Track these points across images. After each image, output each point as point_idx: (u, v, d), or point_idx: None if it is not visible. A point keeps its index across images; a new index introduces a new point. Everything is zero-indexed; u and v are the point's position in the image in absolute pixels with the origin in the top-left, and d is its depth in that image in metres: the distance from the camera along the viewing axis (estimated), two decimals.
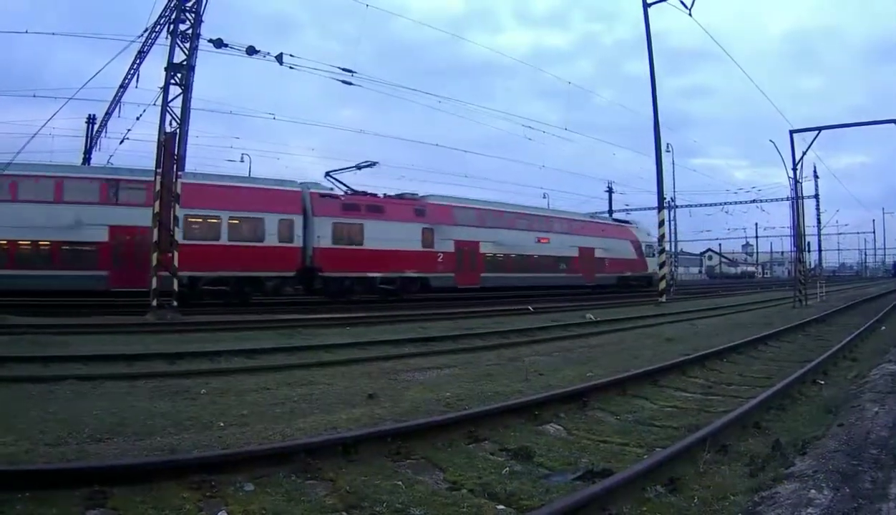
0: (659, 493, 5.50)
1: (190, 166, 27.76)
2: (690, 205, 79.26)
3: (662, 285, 37.39)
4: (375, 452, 6.47)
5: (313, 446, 6.31)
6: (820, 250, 66.67)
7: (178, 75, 23.90)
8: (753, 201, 78.41)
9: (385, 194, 37.50)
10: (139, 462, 5.98)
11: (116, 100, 34.83)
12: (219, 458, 5.90)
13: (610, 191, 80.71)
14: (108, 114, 37.04)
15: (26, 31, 60.50)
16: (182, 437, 7.18)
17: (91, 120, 43.34)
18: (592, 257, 48.30)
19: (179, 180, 24.06)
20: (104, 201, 27.76)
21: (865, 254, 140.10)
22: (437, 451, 6.75)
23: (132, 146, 36.04)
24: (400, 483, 5.79)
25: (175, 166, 23.75)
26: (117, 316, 22.44)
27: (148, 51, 29.46)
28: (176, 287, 23.61)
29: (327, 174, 35.66)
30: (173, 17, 24.31)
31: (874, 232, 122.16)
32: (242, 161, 44.68)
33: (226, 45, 24.83)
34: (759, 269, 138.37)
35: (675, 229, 65.30)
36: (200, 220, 29.14)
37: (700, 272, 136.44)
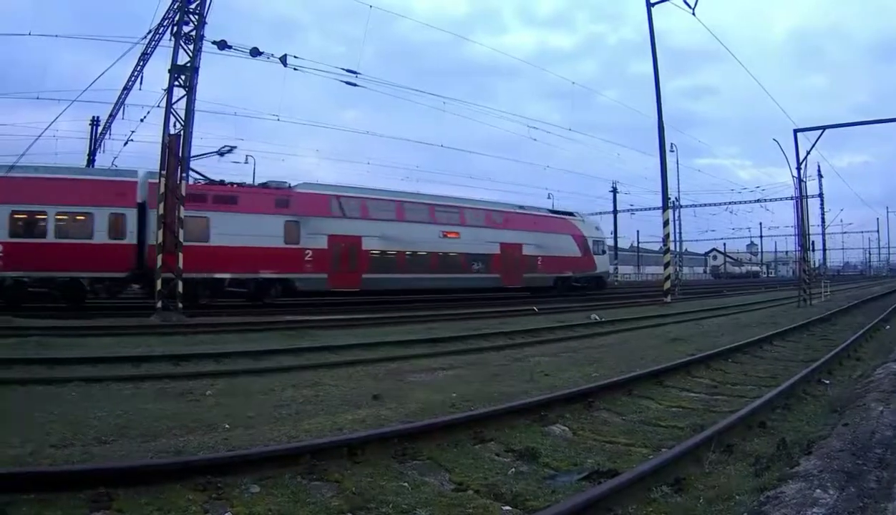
0: (665, 493, 5.50)
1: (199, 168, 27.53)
2: (695, 205, 79.13)
3: (667, 285, 36.80)
4: (381, 453, 6.46)
5: (319, 447, 6.30)
6: (824, 249, 66.73)
7: (182, 77, 23.95)
8: (758, 201, 78.40)
9: (242, 183, 32.61)
10: (144, 463, 5.98)
11: (120, 103, 34.83)
12: (224, 460, 5.89)
13: (614, 191, 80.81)
14: (112, 116, 37.09)
15: (29, 33, 60.09)
16: (188, 439, 7.19)
17: (95, 122, 43.38)
18: (519, 255, 41.52)
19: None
20: None
21: (870, 253, 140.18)
22: (443, 452, 6.75)
23: (136, 148, 36.27)
24: (406, 484, 5.80)
25: (179, 168, 23.81)
26: (123, 318, 22.49)
27: (151, 53, 29.48)
28: (180, 289, 23.62)
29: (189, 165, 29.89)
30: (177, 19, 24.33)
31: (878, 231, 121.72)
32: (247, 162, 44.54)
33: (229, 47, 24.91)
34: (764, 269, 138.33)
35: (680, 229, 64.36)
36: (25, 216, 26.47)
37: (705, 272, 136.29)
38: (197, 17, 24.14)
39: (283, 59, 26.04)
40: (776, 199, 75.49)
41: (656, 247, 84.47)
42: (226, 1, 58.26)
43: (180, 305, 23.17)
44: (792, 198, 50.80)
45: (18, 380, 10.73)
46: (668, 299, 35.76)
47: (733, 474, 6.09)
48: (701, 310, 30.13)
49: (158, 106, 25.52)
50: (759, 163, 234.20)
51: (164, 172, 23.42)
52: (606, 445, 7.24)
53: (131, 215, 27.45)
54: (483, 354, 15.09)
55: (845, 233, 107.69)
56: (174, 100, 23.97)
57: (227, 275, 29.43)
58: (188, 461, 5.97)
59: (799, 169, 36.94)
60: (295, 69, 26.59)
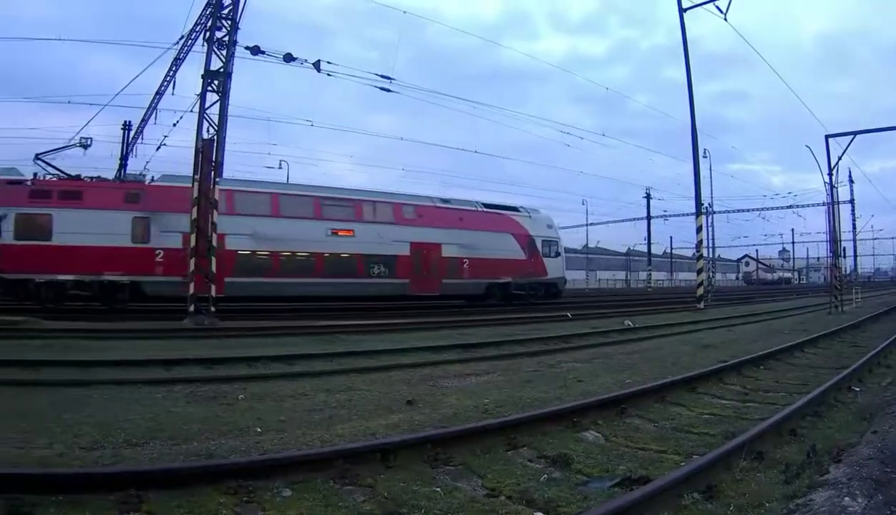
0: (696, 500, 5.49)
1: (228, 172, 27.00)
2: (728, 211, 78.72)
3: (700, 291, 36.41)
4: (414, 458, 6.46)
5: (352, 452, 6.33)
6: (855, 255, 66.07)
7: (216, 82, 24.13)
8: (790, 207, 77.96)
9: (96, 178, 29.91)
10: (175, 466, 6.02)
11: (152, 107, 35.04)
12: (256, 463, 5.93)
13: (648, 196, 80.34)
14: (145, 120, 37.24)
15: (59, 39, 60.94)
16: (219, 442, 7.23)
17: (127, 126, 43.78)
18: (436, 256, 35.49)
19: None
20: None
21: None
22: (475, 458, 6.74)
23: (168, 153, 36.50)
24: (438, 489, 5.80)
25: (213, 173, 24.02)
26: (154, 321, 22.70)
27: (184, 58, 29.65)
28: (213, 293, 23.78)
29: (37, 157, 29.24)
30: (209, 24, 24.52)
31: None
32: (280, 167, 44.69)
33: (262, 53, 25.03)
34: (796, 275, 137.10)
35: (713, 235, 63.80)
36: None
37: (737, 278, 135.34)
38: (230, 22, 24.28)
39: (317, 65, 26.14)
40: (808, 205, 75.18)
41: (689, 252, 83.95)
42: (258, 7, 58.41)
43: (213, 309, 23.31)
44: (823, 204, 50.15)
45: (47, 382, 10.78)
46: (702, 305, 35.43)
47: (764, 481, 6.06)
48: (733, 317, 29.89)
49: (192, 111, 25.71)
50: (789, 169, 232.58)
51: (196, 177, 23.61)
52: (639, 452, 7.22)
53: None
54: (516, 360, 15.00)
55: (876, 239, 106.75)
56: (208, 105, 24.14)
57: (70, 277, 26.60)
58: (219, 464, 6.01)
59: (830, 175, 36.75)
60: (329, 75, 26.68)
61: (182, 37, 28.19)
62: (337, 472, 5.92)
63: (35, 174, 28.23)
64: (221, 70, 24.15)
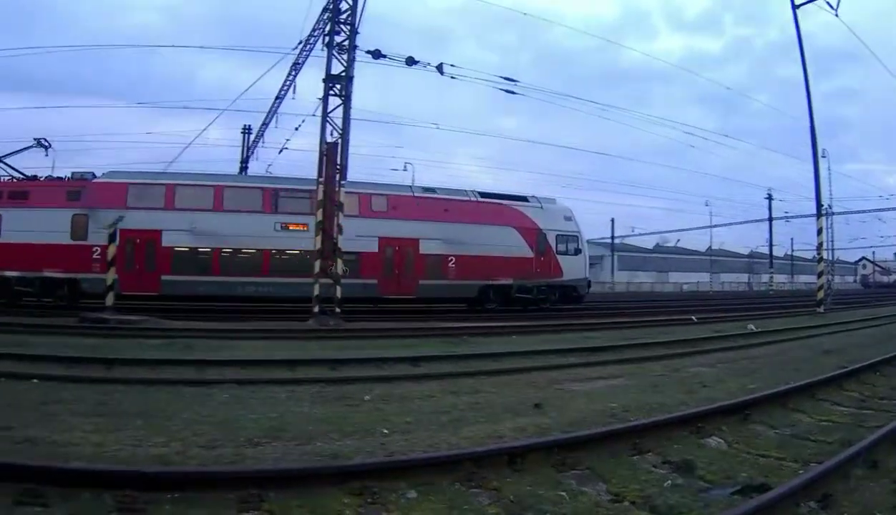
0: (811, 509, 5.43)
1: (353, 175, 26.89)
2: (846, 212, 75.86)
3: (821, 295, 34.75)
4: (540, 462, 6.38)
5: (479, 455, 6.28)
6: None
7: (338, 86, 24.35)
8: None
9: (49, 177, 30.11)
10: (297, 466, 6.04)
11: (273, 111, 35.79)
12: (382, 465, 5.94)
13: (769, 198, 78.24)
14: (265, 124, 38.18)
15: (172, 46, 63.43)
16: (344, 443, 7.23)
17: (247, 130, 44.90)
18: (412, 253, 31.67)
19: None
20: None
21: None
22: (601, 462, 6.62)
23: (290, 156, 36.99)
24: (564, 493, 5.73)
25: (338, 176, 24.28)
26: (279, 321, 23.06)
27: (303, 63, 30.14)
28: (339, 294, 23.98)
29: (1, 159, 30.31)
30: (328, 29, 24.77)
31: None
32: (406, 170, 44.84)
33: (384, 56, 25.20)
34: None
35: (833, 237, 61.35)
36: None
37: (854, 281, 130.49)
38: (348, 27, 24.54)
39: (440, 68, 26.21)
40: None
41: (809, 255, 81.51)
42: (377, 11, 59.16)
43: (338, 310, 23.52)
44: None
45: (166, 381, 10.90)
46: (821, 309, 33.79)
47: (877, 491, 5.95)
48: (852, 321, 28.62)
49: (314, 114, 26.01)
50: None
51: (321, 180, 23.88)
52: (759, 459, 7.08)
53: None
54: (642, 364, 14.64)
55: None
56: (330, 108, 24.47)
57: (15, 274, 27.10)
58: (344, 465, 6.04)
59: None
60: (452, 78, 26.64)
61: (300, 42, 28.57)
62: (463, 475, 5.88)
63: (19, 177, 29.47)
64: (343, 74, 24.36)
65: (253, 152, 42.56)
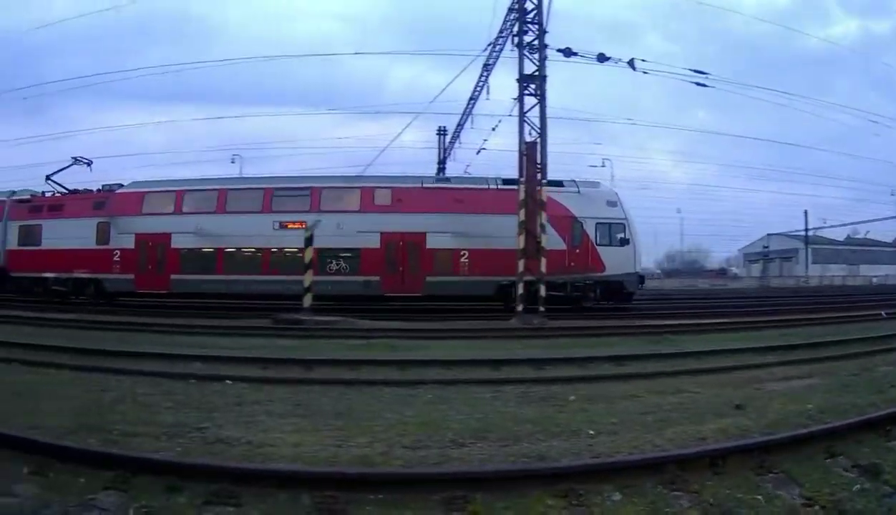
0: None
1: (552, 173, 26.74)
2: None
3: None
4: (741, 465, 6.23)
5: (682, 457, 6.20)
6: None
7: (532, 85, 24.27)
8: None
9: (81, 190, 33.65)
10: (504, 467, 6.05)
11: (468, 112, 36.04)
12: (587, 467, 5.90)
13: None
14: (460, 125, 38.40)
15: (356, 53, 65.19)
16: (550, 444, 7.07)
17: (442, 131, 45.57)
18: (420, 249, 29.34)
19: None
20: None
21: None
22: (797, 465, 6.34)
23: (487, 155, 37.09)
24: (760, 497, 5.64)
25: (539, 175, 24.24)
26: (480, 321, 23.10)
27: (494, 63, 30.05)
28: (543, 292, 23.83)
29: (47, 178, 34.33)
30: (516, 29, 24.73)
31: None
32: (604, 166, 44.16)
33: (575, 54, 24.86)
34: None
35: None
36: None
37: None
38: (536, 26, 24.37)
39: (631, 63, 25.57)
40: None
41: None
42: (563, 8, 58.57)
43: (542, 309, 23.30)
44: None
45: (366, 382, 11.00)
46: None
47: None
48: None
49: (511, 114, 25.99)
50: None
51: (523, 179, 23.89)
52: None
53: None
54: (834, 363, 13.75)
55: None
56: (526, 108, 24.41)
57: (51, 275, 31.01)
58: (550, 466, 5.99)
59: None
60: (645, 72, 26.09)
61: (490, 43, 28.56)
62: (667, 478, 5.79)
63: (43, 192, 34.00)
64: (536, 73, 24.24)
65: (450, 153, 43.16)
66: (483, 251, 28.17)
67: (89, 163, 35.48)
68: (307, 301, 22.82)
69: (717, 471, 6.04)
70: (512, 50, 25.08)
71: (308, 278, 23.12)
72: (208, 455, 6.62)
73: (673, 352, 14.74)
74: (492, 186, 29.80)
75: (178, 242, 29.94)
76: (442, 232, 28.85)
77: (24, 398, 9.34)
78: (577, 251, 28.69)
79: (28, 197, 33.91)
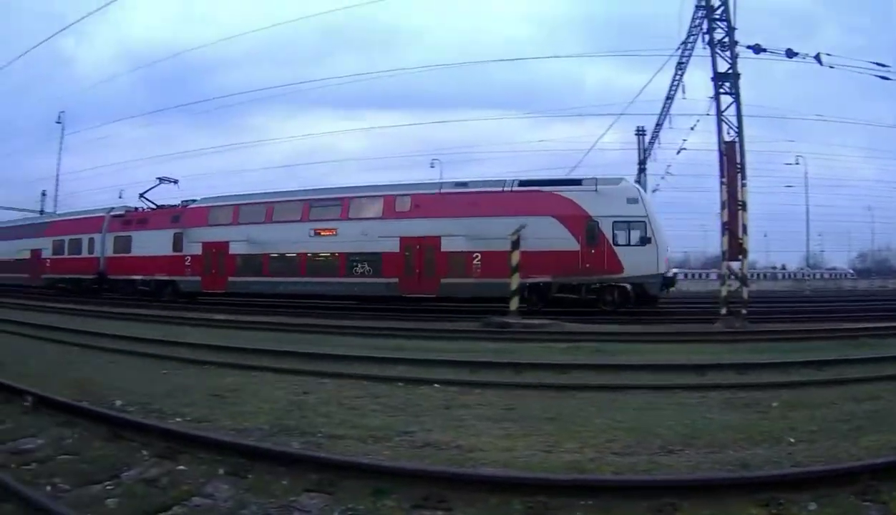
0: None
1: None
2: None
3: None
4: None
5: (876, 467, 6.02)
6: None
7: (727, 83, 24.14)
8: None
9: (158, 206, 40.57)
10: (709, 476, 6.10)
11: (665, 112, 35.87)
12: (787, 476, 5.85)
13: None
14: (659, 125, 38.23)
15: (553, 56, 66.00)
16: (753, 452, 7.10)
17: (640, 132, 45.36)
18: (434, 252, 30.29)
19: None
20: None
21: None
22: None
23: (687, 156, 36.67)
24: None
25: (739, 175, 23.98)
26: (684, 324, 23.03)
27: (687, 62, 29.94)
28: (745, 296, 23.50)
29: (141, 195, 41.51)
30: (706, 28, 24.64)
31: None
32: (797, 163, 42.72)
33: (764, 50, 24.48)
34: None
35: None
36: (58, 241, 43.92)
37: None
38: (725, 23, 24.18)
39: (818, 57, 24.92)
40: None
41: None
42: (748, 2, 56.88)
43: (744, 312, 22.93)
44: None
45: (575, 386, 11.06)
46: None
47: None
48: None
49: (708, 114, 25.77)
50: None
51: (724, 180, 23.79)
52: None
53: (99, 239, 40.74)
54: None
55: None
56: (723, 107, 24.18)
57: (138, 278, 38.21)
58: (755, 476, 5.97)
59: None
60: (831, 67, 25.36)
61: (682, 43, 28.49)
62: (860, 488, 5.68)
63: (136, 207, 41.39)
64: (729, 71, 24.07)
65: (649, 154, 42.94)
66: (495, 253, 27.21)
67: (175, 182, 43.15)
68: (514, 304, 23.02)
69: None
70: (704, 48, 25.00)
71: (515, 281, 23.39)
72: (417, 458, 6.83)
73: (871, 357, 14.06)
74: (506, 189, 30.17)
75: (234, 249, 34.77)
76: (455, 235, 29.70)
77: (226, 401, 9.97)
78: (593, 251, 27.89)
79: (122, 212, 41.34)
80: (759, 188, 35.96)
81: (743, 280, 23.43)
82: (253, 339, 17.88)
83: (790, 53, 24.67)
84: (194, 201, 38.50)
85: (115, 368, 13.40)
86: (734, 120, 24.01)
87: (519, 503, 5.25)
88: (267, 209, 34.92)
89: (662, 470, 6.43)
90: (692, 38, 27.26)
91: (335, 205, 33.03)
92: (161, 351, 15.62)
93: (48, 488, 5.90)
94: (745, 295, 23.33)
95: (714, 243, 31.16)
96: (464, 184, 32.07)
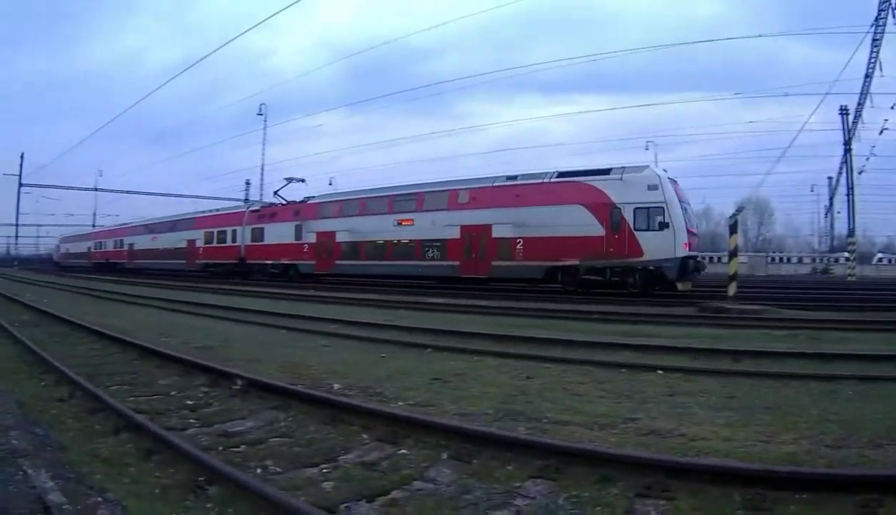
0: None
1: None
2: None
3: None
4: None
5: None
6: None
7: None
8: None
9: (287, 201, 49.57)
10: None
11: (865, 91, 34.60)
12: None
13: None
14: (860, 104, 37.08)
15: (759, 36, 64.63)
16: None
17: (843, 111, 43.68)
18: (486, 238, 34.38)
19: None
20: None
21: None
22: None
23: (889, 135, 35.11)
24: None
25: None
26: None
27: (881, 40, 28.87)
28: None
29: (275, 193, 51.46)
30: (894, 3, 23.72)
31: None
32: None
33: None
34: None
35: None
36: (209, 232, 55.89)
37: None
38: None
39: None
40: None
41: None
42: None
43: None
44: None
45: (792, 375, 10.84)
46: None
47: None
48: None
49: None
50: None
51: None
52: None
53: (240, 231, 51.38)
54: None
55: None
56: None
57: (269, 262, 48.10)
58: None
59: None
60: None
61: (875, 18, 27.51)
62: None
63: (270, 203, 51.64)
64: None
65: (854, 133, 41.40)
66: (534, 239, 32.28)
67: (302, 181, 52.11)
68: (732, 289, 23.55)
69: None
70: (894, 23, 24.09)
71: (734, 266, 24.29)
72: (641, 446, 6.79)
73: None
74: (545, 180, 33.17)
75: (339, 238, 42.26)
76: (503, 223, 33.51)
77: (449, 385, 10.23)
78: (616, 237, 29.56)
79: (258, 207, 52.26)
80: None
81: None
82: (471, 323, 18.45)
83: None
84: (312, 198, 47.36)
85: (328, 352, 14.03)
86: None
87: (738, 494, 5.26)
88: (361, 204, 42.10)
89: (872, 465, 6.28)
90: (883, 13, 26.26)
91: (412, 199, 38.91)
92: (375, 334, 16.35)
93: (258, 470, 6.26)
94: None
95: None
96: (514, 178, 35.25)
